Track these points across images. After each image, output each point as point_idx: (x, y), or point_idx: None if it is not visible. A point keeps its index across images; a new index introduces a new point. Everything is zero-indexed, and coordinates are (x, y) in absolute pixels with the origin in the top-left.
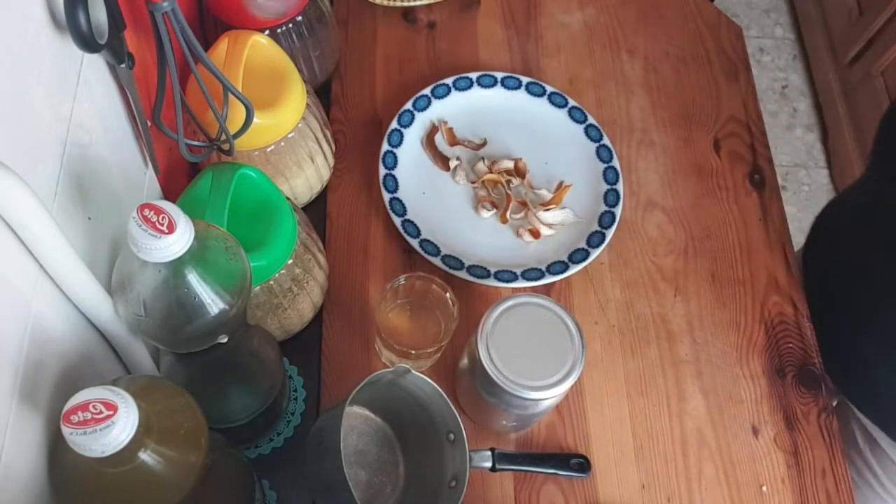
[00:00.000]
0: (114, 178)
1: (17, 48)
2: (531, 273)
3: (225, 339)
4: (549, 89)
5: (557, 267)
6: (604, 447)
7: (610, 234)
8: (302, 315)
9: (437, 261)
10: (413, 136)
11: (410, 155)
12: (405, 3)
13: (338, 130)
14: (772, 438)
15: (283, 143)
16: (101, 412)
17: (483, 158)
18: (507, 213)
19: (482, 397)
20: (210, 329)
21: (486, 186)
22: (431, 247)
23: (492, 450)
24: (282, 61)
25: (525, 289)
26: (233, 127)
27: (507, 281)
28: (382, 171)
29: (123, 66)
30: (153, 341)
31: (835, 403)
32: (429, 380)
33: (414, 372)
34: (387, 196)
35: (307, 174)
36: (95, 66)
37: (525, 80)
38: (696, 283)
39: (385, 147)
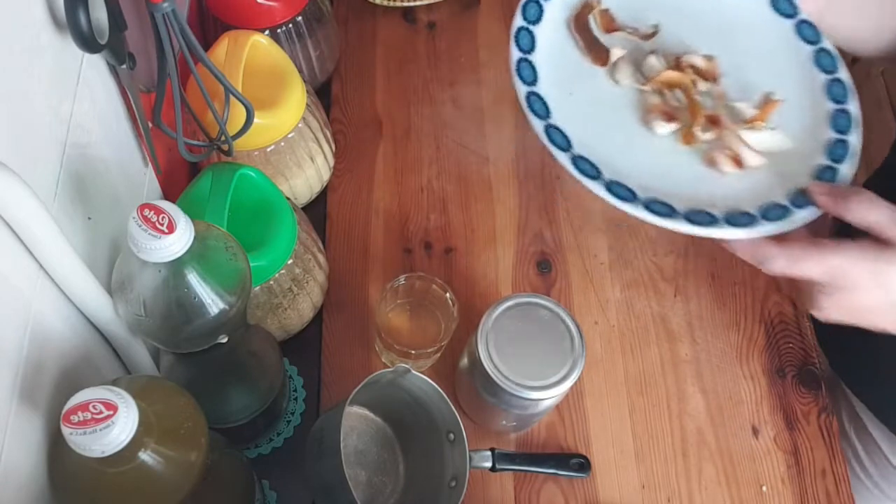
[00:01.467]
0: (114, 178)
1: (17, 48)
2: (739, 218)
3: (225, 339)
4: None
5: (776, 212)
6: (604, 447)
7: (845, 169)
8: (302, 315)
9: (597, 187)
10: (556, 13)
11: (552, 39)
12: (405, 3)
13: (338, 130)
14: (772, 438)
15: (283, 143)
16: (101, 412)
17: (655, 52)
18: (695, 130)
19: (482, 397)
20: (210, 329)
21: (662, 90)
22: (588, 166)
23: (492, 450)
24: (282, 61)
25: (727, 240)
26: (233, 127)
27: (705, 224)
28: (516, 53)
29: (124, 66)
30: (153, 341)
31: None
32: (429, 380)
33: (414, 372)
34: (522, 89)
35: (307, 174)
36: (95, 65)
37: None
38: (696, 283)
39: (519, 21)
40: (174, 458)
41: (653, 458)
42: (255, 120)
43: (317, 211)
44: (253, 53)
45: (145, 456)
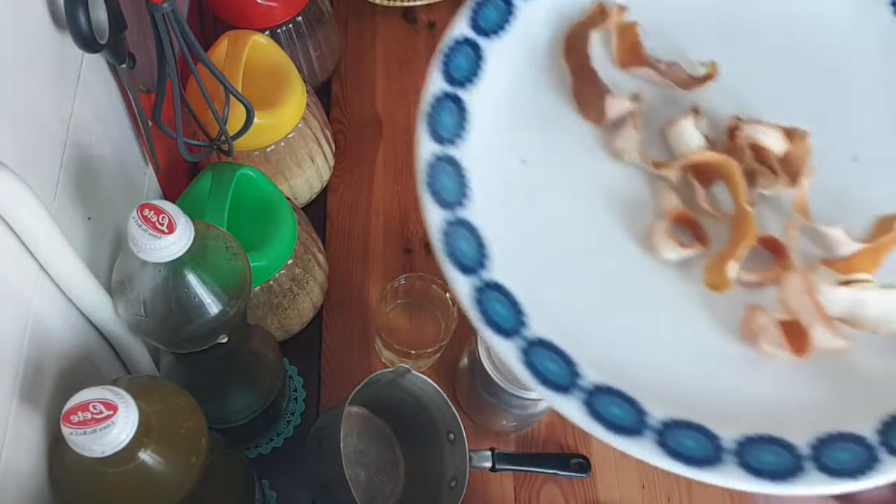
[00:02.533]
0: (114, 177)
1: (17, 48)
2: (772, 456)
3: (225, 339)
4: None
5: (846, 452)
6: (604, 447)
7: None
8: (302, 315)
9: (570, 409)
10: (537, 23)
11: (515, 65)
12: (405, 3)
13: (338, 130)
14: None
15: (282, 144)
16: (100, 412)
17: (699, 111)
18: (729, 265)
19: (482, 397)
20: (210, 329)
21: (690, 180)
22: (555, 360)
23: (492, 450)
24: (282, 61)
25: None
26: (233, 127)
27: (760, 474)
28: (429, 146)
29: (124, 66)
30: (153, 341)
31: None
32: (429, 380)
33: (414, 372)
34: (437, 215)
35: (307, 174)
36: (95, 65)
37: None
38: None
39: (461, 29)
40: (174, 459)
41: None
42: (255, 120)
43: (317, 211)
44: (253, 53)
45: (145, 456)
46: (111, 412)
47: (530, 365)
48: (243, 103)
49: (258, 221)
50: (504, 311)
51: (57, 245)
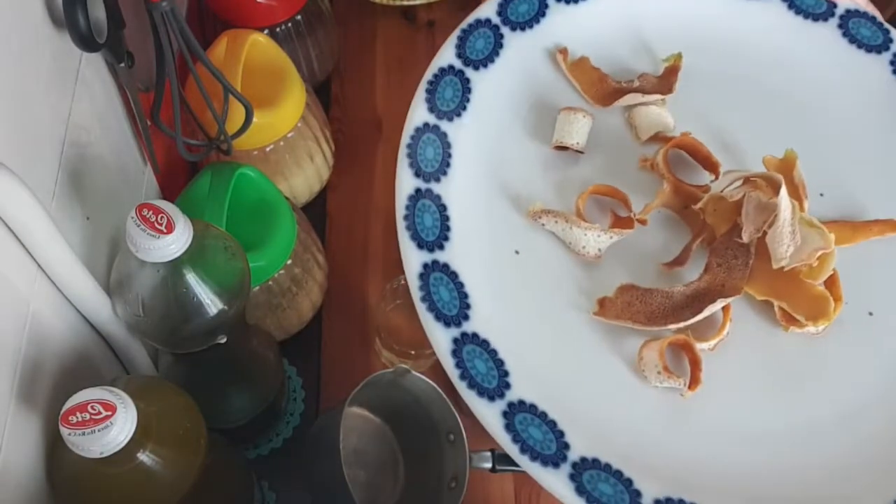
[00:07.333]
0: (112, 177)
1: (15, 47)
2: None
3: (224, 340)
4: (846, 5)
5: None
6: None
7: None
8: (301, 315)
9: (556, 481)
10: (497, 92)
11: (491, 146)
12: (404, 2)
13: (337, 130)
14: None
15: (282, 143)
16: (99, 413)
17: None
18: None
19: None
20: (209, 329)
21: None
22: (541, 428)
23: (492, 450)
24: (281, 60)
25: None
26: (232, 127)
27: None
28: (409, 181)
29: (123, 65)
30: (152, 341)
31: None
32: (428, 380)
33: (414, 372)
34: (416, 259)
35: (307, 174)
36: (94, 64)
37: None
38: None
39: (421, 114)
40: (173, 459)
41: None
42: (255, 119)
43: (316, 211)
44: (252, 52)
45: (144, 457)
46: (109, 413)
47: (509, 423)
48: (242, 102)
49: (257, 221)
50: (490, 370)
51: (55, 245)
